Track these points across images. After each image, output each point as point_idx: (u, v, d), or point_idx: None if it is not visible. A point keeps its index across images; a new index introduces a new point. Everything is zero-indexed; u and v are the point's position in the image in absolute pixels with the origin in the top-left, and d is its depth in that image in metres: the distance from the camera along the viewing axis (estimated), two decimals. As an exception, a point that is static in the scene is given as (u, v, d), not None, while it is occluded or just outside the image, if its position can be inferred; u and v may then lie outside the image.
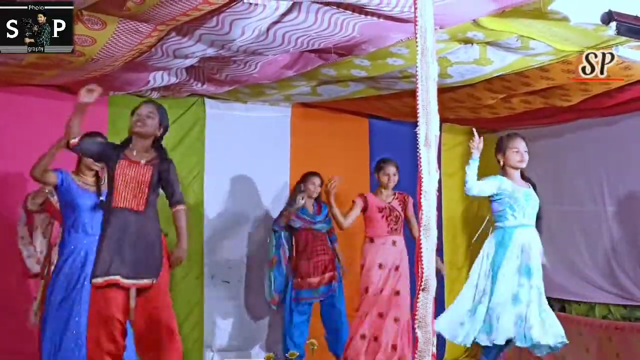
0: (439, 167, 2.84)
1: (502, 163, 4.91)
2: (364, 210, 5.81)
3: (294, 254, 6.08)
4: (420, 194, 2.75)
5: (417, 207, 2.79)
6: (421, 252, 2.75)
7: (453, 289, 7.21)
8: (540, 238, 4.88)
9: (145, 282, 3.92)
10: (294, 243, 6.11)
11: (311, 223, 6.04)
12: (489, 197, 4.89)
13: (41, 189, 4.90)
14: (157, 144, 4.14)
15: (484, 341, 4.63)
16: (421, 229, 2.76)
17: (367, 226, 5.86)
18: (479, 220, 7.58)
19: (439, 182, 2.79)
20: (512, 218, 4.78)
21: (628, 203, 6.31)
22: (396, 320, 5.66)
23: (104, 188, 4.49)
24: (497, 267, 4.72)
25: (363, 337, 5.65)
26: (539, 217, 4.90)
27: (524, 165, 4.86)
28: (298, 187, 6.10)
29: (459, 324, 4.71)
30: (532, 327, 4.54)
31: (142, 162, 4.04)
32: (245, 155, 6.31)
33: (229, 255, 6.32)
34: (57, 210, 4.87)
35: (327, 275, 5.99)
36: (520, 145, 4.87)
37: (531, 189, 4.89)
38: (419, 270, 2.75)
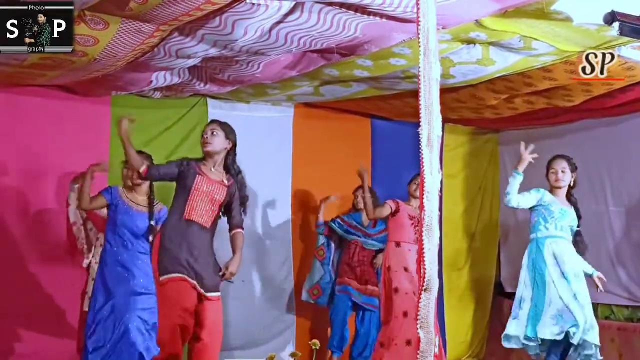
0: (441, 168, 2.84)
1: (547, 177, 5.06)
2: (394, 214, 5.69)
3: (341, 259, 6.26)
4: (423, 194, 2.75)
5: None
6: (423, 252, 2.75)
7: (453, 289, 7.22)
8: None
9: (209, 295, 4.15)
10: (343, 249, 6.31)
11: (366, 235, 6.18)
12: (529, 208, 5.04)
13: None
14: (231, 161, 4.34)
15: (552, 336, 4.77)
16: (423, 229, 2.76)
17: (394, 231, 5.71)
18: (481, 222, 7.59)
19: (441, 182, 2.80)
20: (544, 229, 4.94)
21: (630, 203, 6.31)
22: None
23: (157, 209, 4.80)
24: (540, 274, 4.86)
25: (409, 342, 5.42)
26: (578, 238, 5.04)
27: (560, 184, 4.99)
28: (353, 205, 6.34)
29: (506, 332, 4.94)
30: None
31: (218, 181, 4.24)
32: (247, 155, 6.23)
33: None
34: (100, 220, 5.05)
35: (370, 287, 6.11)
36: (557, 165, 5.00)
37: (571, 210, 5.01)
38: (422, 270, 2.75)
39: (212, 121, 4.44)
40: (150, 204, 4.89)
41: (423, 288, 2.74)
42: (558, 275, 4.83)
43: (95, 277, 4.82)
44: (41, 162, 5.50)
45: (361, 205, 6.14)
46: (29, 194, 5.49)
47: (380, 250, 6.12)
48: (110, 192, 4.83)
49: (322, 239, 6.35)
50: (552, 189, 5.05)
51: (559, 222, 4.92)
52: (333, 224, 6.26)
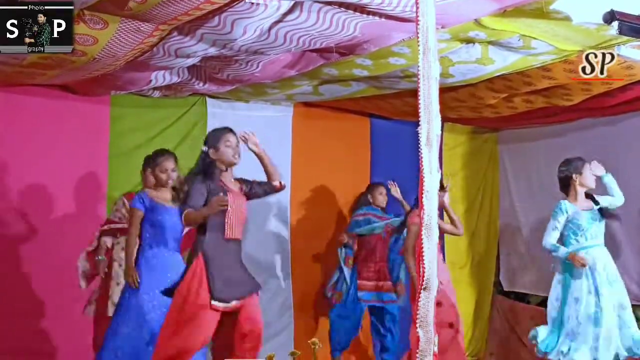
0: (441, 167, 2.85)
1: (576, 181, 5.07)
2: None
3: (359, 257, 6.22)
4: (422, 193, 2.75)
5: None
6: (422, 252, 2.75)
7: (454, 289, 7.21)
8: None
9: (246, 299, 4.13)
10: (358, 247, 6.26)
11: (380, 218, 6.15)
12: None
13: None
14: None
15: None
16: (422, 228, 2.76)
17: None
18: (480, 221, 7.60)
19: (440, 182, 2.80)
20: (575, 242, 5.00)
21: (630, 202, 6.31)
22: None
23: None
24: (566, 290, 4.94)
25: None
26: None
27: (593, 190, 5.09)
28: (364, 198, 6.29)
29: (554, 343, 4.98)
30: (610, 344, 4.76)
31: (238, 192, 4.22)
32: (246, 154, 6.30)
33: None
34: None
35: (386, 283, 6.11)
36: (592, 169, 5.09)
37: (594, 208, 5.06)
38: (421, 269, 2.75)
39: (231, 130, 4.29)
40: (179, 198, 4.82)
41: (422, 287, 2.74)
42: (587, 291, 4.86)
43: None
44: (40, 161, 5.49)
45: (378, 202, 6.19)
46: (28, 193, 5.48)
47: (399, 232, 6.09)
48: (141, 201, 4.79)
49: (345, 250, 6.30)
50: (576, 190, 5.07)
51: (588, 232, 4.96)
52: (358, 228, 6.19)
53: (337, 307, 6.23)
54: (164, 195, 4.86)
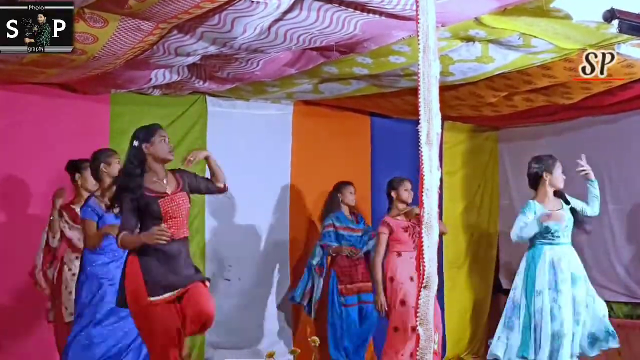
0: (441, 165, 2.86)
1: (546, 180, 5.01)
2: (390, 234, 5.61)
3: (337, 263, 6.18)
4: (422, 191, 2.76)
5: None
6: (422, 250, 2.75)
7: (453, 287, 7.23)
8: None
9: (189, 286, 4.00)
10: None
11: (351, 230, 6.14)
12: None
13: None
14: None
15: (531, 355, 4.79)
16: (423, 226, 2.77)
17: (393, 244, 5.63)
18: (480, 219, 7.60)
19: (440, 180, 2.80)
20: (541, 237, 4.94)
21: (629, 201, 6.32)
22: None
23: None
24: (531, 283, 4.88)
25: (411, 355, 5.34)
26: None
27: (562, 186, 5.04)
28: (335, 197, 6.24)
29: (496, 338, 4.94)
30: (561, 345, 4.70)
31: (175, 192, 4.02)
32: (247, 152, 6.32)
33: (230, 254, 6.33)
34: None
35: (362, 284, 6.09)
36: (560, 169, 5.05)
37: (563, 207, 4.99)
38: (421, 267, 2.76)
39: (162, 127, 4.15)
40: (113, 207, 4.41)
41: (423, 285, 2.75)
42: (547, 286, 4.82)
43: (80, 291, 4.73)
44: (40, 160, 5.49)
45: (347, 201, 6.16)
46: (27, 192, 5.48)
47: (368, 252, 6.13)
48: (94, 211, 4.68)
49: (319, 255, 6.24)
50: (545, 189, 5.00)
51: (557, 232, 4.92)
52: (328, 240, 6.15)
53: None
54: (107, 201, 4.51)
